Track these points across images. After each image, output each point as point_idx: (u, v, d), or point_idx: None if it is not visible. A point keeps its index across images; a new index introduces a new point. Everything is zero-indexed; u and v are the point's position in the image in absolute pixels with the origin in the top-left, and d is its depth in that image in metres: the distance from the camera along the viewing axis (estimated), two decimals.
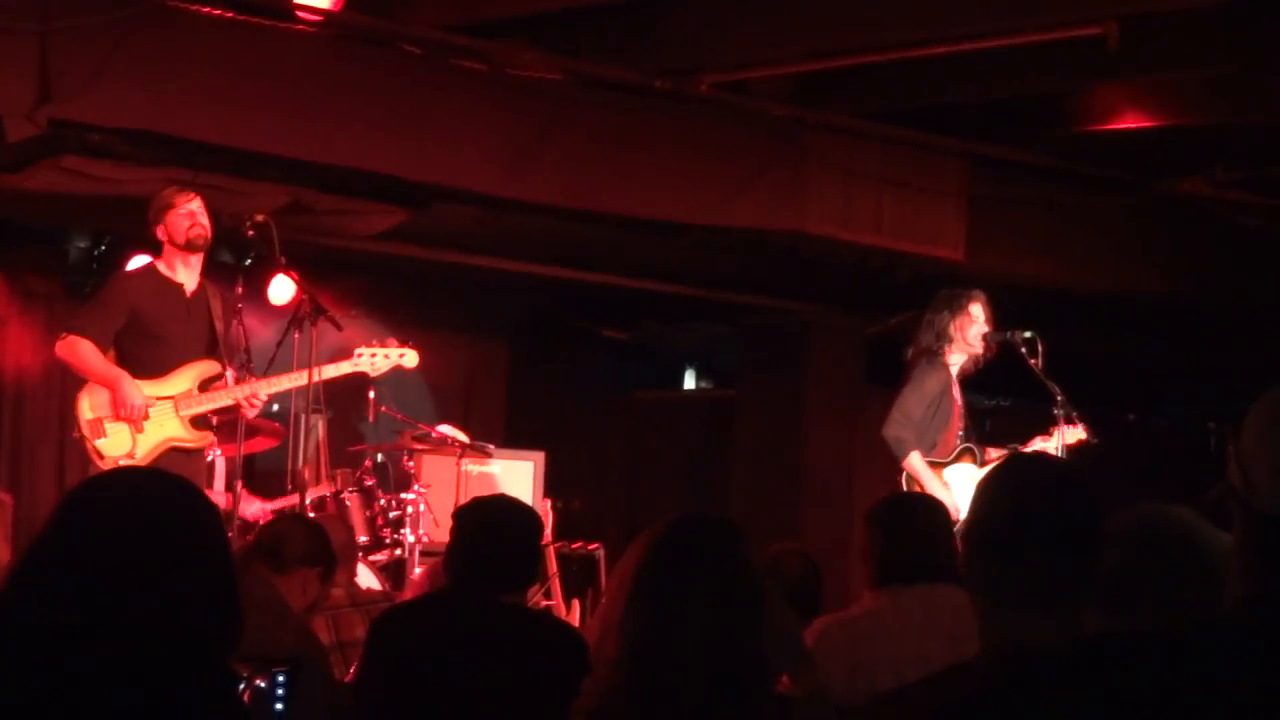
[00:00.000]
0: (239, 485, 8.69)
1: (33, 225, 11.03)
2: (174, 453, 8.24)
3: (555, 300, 14.29)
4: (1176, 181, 11.69)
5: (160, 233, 8.34)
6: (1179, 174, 11.64)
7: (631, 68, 9.87)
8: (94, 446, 8.13)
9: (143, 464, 8.01)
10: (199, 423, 8.35)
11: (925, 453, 9.00)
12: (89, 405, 8.19)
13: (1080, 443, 9.08)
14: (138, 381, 8.19)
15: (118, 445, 8.14)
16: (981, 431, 9.51)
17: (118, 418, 8.14)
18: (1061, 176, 11.71)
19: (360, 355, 8.81)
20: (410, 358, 8.94)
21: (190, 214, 8.30)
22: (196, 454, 8.39)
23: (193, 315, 8.39)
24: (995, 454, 9.13)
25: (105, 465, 8.03)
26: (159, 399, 8.21)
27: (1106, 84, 10.53)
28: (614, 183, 10.23)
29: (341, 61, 9.27)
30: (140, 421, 8.14)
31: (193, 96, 8.76)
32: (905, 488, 8.98)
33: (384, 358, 8.84)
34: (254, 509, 9.66)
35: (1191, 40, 9.44)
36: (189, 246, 8.32)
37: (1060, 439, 8.96)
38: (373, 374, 8.92)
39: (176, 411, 8.25)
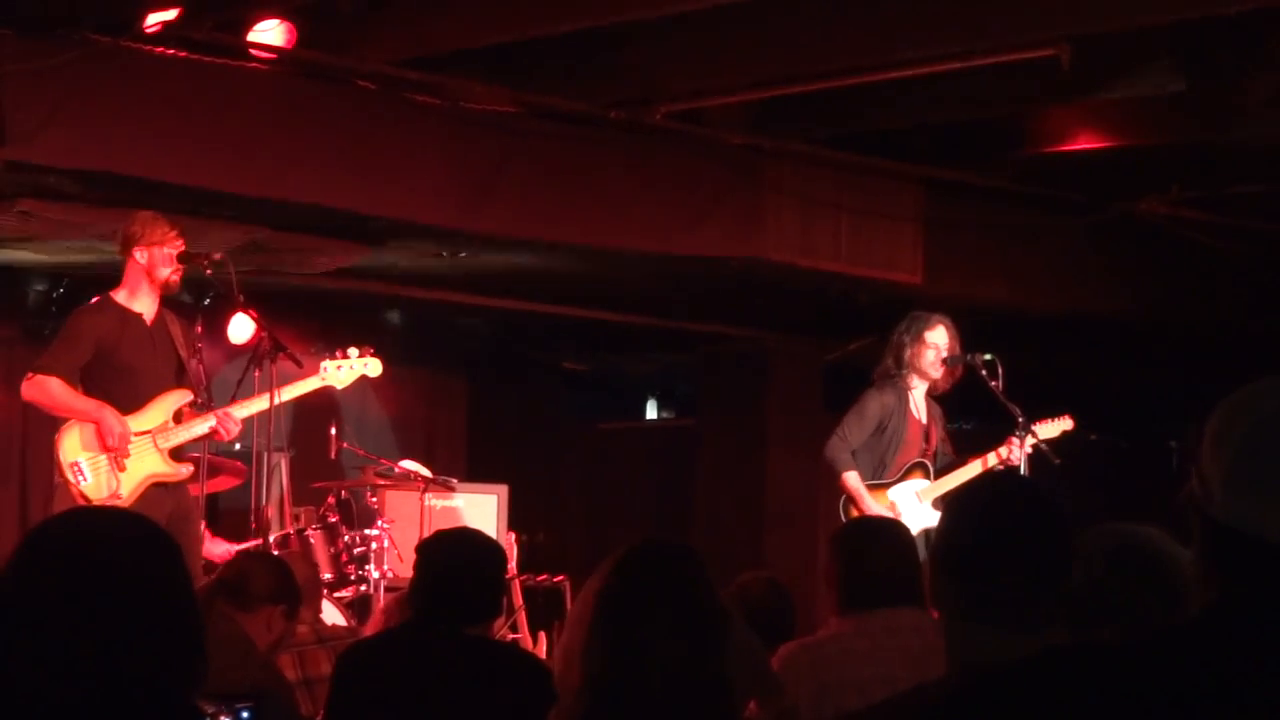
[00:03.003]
0: (203, 526, 8.63)
1: None
2: (156, 488, 8.14)
3: (515, 333, 14.29)
4: (1131, 202, 11.71)
5: (138, 256, 8.15)
6: (1134, 194, 11.66)
7: (585, 99, 9.87)
8: (79, 491, 7.99)
9: (127, 502, 7.93)
10: (177, 455, 8.24)
11: (874, 475, 9.06)
12: (68, 448, 8.05)
13: (1065, 434, 9.19)
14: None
15: (101, 486, 8.02)
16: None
17: (105, 448, 8.01)
18: (1017, 199, 11.74)
19: (325, 370, 8.77)
20: (374, 366, 8.90)
21: (179, 253, 8.16)
22: (178, 487, 8.26)
23: (157, 344, 8.26)
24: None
25: None
26: (136, 435, 8.10)
27: (1060, 106, 10.58)
28: (570, 214, 10.22)
29: (295, 98, 9.26)
30: (126, 448, 8.03)
31: (147, 136, 8.73)
32: (842, 508, 9.04)
33: (349, 369, 8.81)
34: (219, 550, 9.61)
35: (1144, 61, 9.48)
36: (165, 286, 8.21)
37: (1021, 451, 8.99)
38: (339, 387, 8.89)
39: (155, 445, 8.15)
